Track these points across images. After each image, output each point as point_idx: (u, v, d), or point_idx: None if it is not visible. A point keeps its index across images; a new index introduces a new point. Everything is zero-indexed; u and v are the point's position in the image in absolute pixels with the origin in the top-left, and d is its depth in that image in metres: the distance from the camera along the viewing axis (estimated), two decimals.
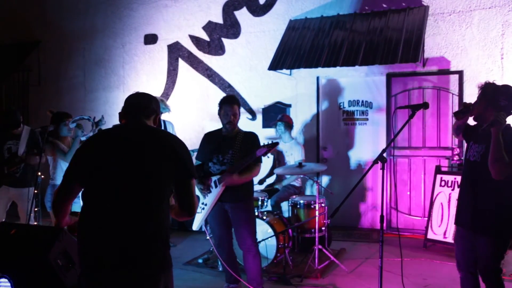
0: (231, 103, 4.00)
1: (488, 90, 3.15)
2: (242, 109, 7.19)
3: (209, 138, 4.18)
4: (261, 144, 4.03)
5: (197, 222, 4.11)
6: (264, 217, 4.97)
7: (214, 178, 4.01)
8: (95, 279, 2.17)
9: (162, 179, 2.24)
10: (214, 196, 3.97)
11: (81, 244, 2.21)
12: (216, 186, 3.99)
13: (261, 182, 6.06)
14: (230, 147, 4.00)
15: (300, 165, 5.06)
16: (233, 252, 4.18)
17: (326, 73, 6.74)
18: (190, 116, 7.38)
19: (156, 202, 2.22)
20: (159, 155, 2.25)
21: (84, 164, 2.26)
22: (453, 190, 5.58)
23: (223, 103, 4.02)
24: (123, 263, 2.14)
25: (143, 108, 2.41)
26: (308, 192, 6.80)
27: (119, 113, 2.50)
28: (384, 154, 3.00)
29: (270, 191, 5.84)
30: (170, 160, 2.26)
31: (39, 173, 4.90)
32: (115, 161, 2.20)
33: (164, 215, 2.27)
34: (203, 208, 4.06)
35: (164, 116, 5.89)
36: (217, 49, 7.46)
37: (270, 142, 3.99)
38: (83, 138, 4.82)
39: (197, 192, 4.17)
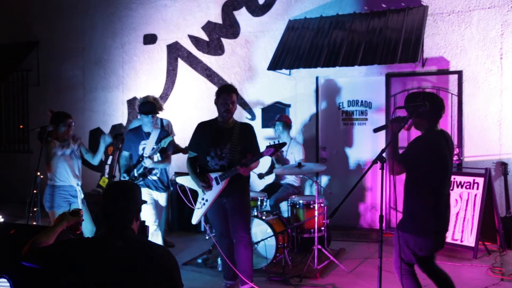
0: (229, 92, 4.01)
1: (409, 98, 3.30)
2: (241, 109, 7.25)
3: (204, 129, 4.14)
4: (269, 143, 4.06)
5: (197, 217, 4.16)
6: (264, 217, 4.97)
7: (214, 175, 4.02)
8: None
9: None
10: (215, 192, 4.01)
11: None
12: (218, 183, 4.01)
13: (260, 176, 6.05)
14: (228, 140, 4.01)
15: (299, 165, 5.06)
16: (233, 245, 4.17)
17: (325, 73, 6.74)
18: (189, 116, 7.38)
19: None
20: (150, 275, 2.10)
21: (63, 264, 2.11)
22: (452, 190, 5.58)
23: (221, 92, 4.04)
24: None
25: (126, 212, 2.20)
26: (307, 192, 6.80)
27: (99, 212, 2.26)
28: (384, 154, 3.01)
29: (270, 190, 5.84)
30: (161, 279, 2.13)
31: (38, 173, 4.90)
32: (103, 281, 2.06)
33: None
34: (204, 204, 4.10)
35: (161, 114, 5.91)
36: (216, 49, 7.46)
37: (277, 142, 4.02)
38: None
39: (196, 187, 4.18)
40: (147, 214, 4.54)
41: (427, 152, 3.14)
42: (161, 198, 4.75)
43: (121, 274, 2.07)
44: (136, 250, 2.14)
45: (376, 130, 3.32)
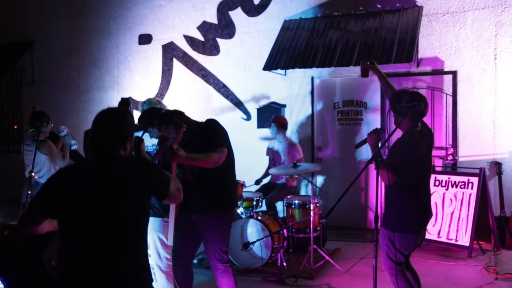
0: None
1: (392, 99, 3.34)
2: (237, 109, 7.25)
3: None
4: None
5: (171, 234, 3.37)
6: (259, 217, 4.97)
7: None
8: None
9: (139, 214, 2.17)
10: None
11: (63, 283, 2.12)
12: None
13: (257, 182, 6.06)
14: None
15: (294, 165, 5.07)
16: (190, 271, 3.61)
17: (320, 73, 6.76)
18: None
19: (135, 237, 2.17)
20: (135, 190, 2.15)
21: (54, 201, 2.14)
22: (447, 189, 5.61)
23: None
24: None
25: (110, 141, 2.21)
26: (303, 192, 6.81)
27: (89, 136, 2.24)
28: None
29: (265, 190, 5.83)
30: (142, 191, 2.17)
31: (33, 174, 4.87)
32: (90, 202, 2.10)
33: (143, 248, 2.23)
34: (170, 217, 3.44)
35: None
36: (211, 49, 7.45)
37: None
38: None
39: None
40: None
41: (411, 157, 3.15)
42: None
43: (107, 198, 2.11)
44: (118, 171, 2.17)
45: (357, 146, 3.49)
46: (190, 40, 7.57)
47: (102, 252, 2.09)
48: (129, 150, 2.29)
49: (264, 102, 7.09)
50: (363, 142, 3.36)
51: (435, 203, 5.65)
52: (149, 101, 5.22)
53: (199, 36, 7.52)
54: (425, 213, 3.27)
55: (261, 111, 7.02)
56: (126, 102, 4.65)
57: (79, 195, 2.11)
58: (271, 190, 5.85)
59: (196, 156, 3.14)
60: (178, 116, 3.39)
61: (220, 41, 7.40)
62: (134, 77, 7.99)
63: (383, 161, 3.14)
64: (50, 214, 2.18)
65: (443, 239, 5.50)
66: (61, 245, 2.16)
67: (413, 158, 3.15)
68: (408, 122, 3.21)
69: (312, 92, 6.86)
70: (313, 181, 5.34)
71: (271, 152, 6.11)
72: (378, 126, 6.50)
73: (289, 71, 6.83)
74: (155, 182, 2.25)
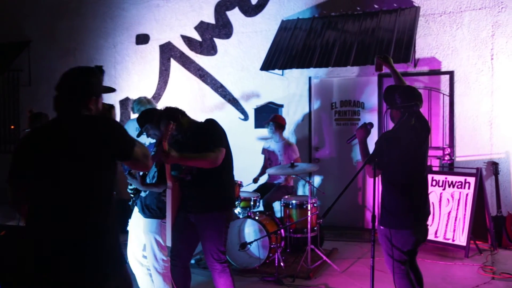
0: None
1: (385, 93, 3.40)
2: (234, 110, 7.25)
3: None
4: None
5: (168, 236, 3.38)
6: (256, 217, 4.97)
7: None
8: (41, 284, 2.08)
9: (100, 171, 2.12)
10: (167, 198, 3.33)
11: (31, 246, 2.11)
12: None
13: (255, 180, 6.05)
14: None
15: (292, 165, 5.07)
16: (188, 271, 3.59)
17: (318, 73, 6.76)
18: None
19: (98, 193, 2.13)
20: (92, 149, 2.10)
21: (25, 164, 2.16)
22: (444, 189, 5.62)
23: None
24: (68, 265, 2.04)
25: (74, 93, 2.19)
26: (300, 192, 6.81)
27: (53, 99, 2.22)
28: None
29: (263, 190, 5.83)
30: (103, 149, 2.12)
31: None
32: (51, 162, 2.08)
33: (109, 206, 2.17)
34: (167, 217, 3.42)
35: None
36: (209, 49, 7.45)
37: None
38: None
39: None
40: (132, 241, 3.91)
41: (393, 151, 3.15)
42: (143, 224, 3.79)
43: (68, 156, 2.07)
44: (79, 128, 2.12)
45: (348, 141, 3.60)
46: (187, 40, 7.57)
47: (64, 214, 2.05)
48: (93, 111, 2.22)
49: (261, 102, 7.09)
50: (354, 137, 3.47)
51: (432, 203, 5.66)
52: (139, 100, 5.19)
53: (196, 36, 7.52)
54: (419, 210, 3.23)
55: (258, 111, 7.02)
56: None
57: (41, 155, 2.09)
58: (268, 190, 5.85)
59: (192, 156, 3.16)
60: (180, 115, 3.40)
61: (217, 41, 7.39)
62: (132, 77, 7.98)
63: (364, 156, 3.25)
64: (24, 180, 2.17)
65: (440, 239, 5.51)
66: (29, 211, 2.13)
67: (395, 152, 3.14)
68: (399, 116, 3.23)
69: (309, 92, 6.86)
70: (311, 181, 5.34)
71: (266, 151, 6.11)
72: (376, 127, 6.53)
73: (286, 71, 6.83)
74: (117, 140, 2.16)
